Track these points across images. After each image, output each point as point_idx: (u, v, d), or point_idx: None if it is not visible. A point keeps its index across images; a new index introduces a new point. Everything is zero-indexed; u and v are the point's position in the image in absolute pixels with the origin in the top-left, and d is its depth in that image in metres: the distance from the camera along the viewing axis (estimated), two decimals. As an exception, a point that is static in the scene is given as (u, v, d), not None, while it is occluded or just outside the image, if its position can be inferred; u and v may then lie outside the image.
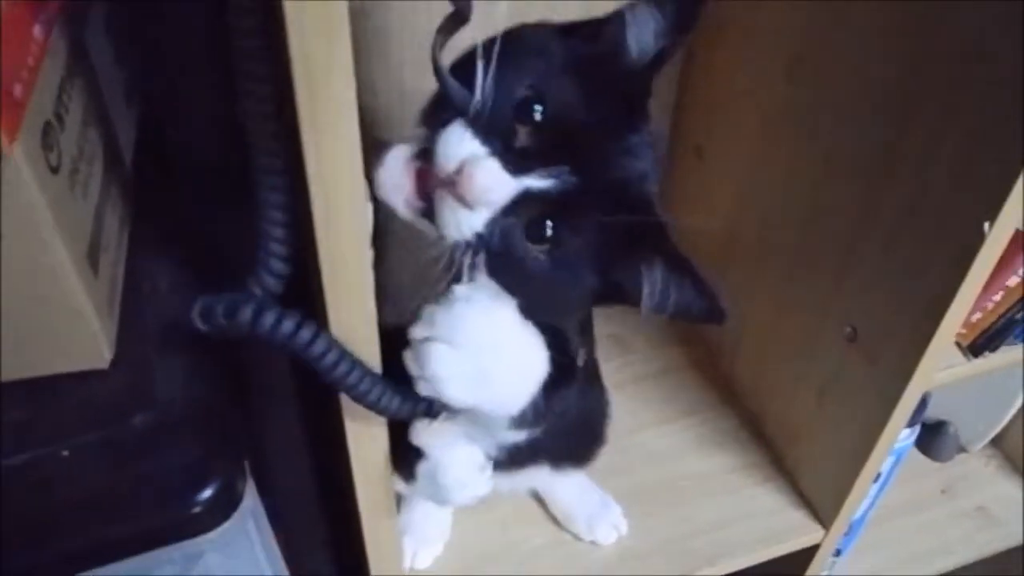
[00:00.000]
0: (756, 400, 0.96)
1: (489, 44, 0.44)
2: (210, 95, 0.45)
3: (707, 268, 0.48)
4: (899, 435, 0.79)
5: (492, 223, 0.44)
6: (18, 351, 0.47)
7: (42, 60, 0.41)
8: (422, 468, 0.58)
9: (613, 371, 0.98)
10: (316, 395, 0.50)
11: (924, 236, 0.68)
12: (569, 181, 0.44)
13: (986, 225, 0.61)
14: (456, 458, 0.58)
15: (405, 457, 0.58)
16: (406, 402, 0.49)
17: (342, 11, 0.35)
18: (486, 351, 0.48)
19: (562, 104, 0.46)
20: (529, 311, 0.50)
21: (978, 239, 0.62)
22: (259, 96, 0.39)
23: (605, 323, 1.01)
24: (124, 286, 0.53)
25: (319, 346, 0.43)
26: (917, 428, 0.94)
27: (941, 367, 0.75)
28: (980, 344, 0.76)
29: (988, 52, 0.58)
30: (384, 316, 0.47)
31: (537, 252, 0.46)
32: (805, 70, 0.76)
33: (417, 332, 0.47)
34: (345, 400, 0.48)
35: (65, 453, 0.45)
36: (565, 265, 0.47)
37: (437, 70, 0.44)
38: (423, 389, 0.48)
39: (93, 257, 0.47)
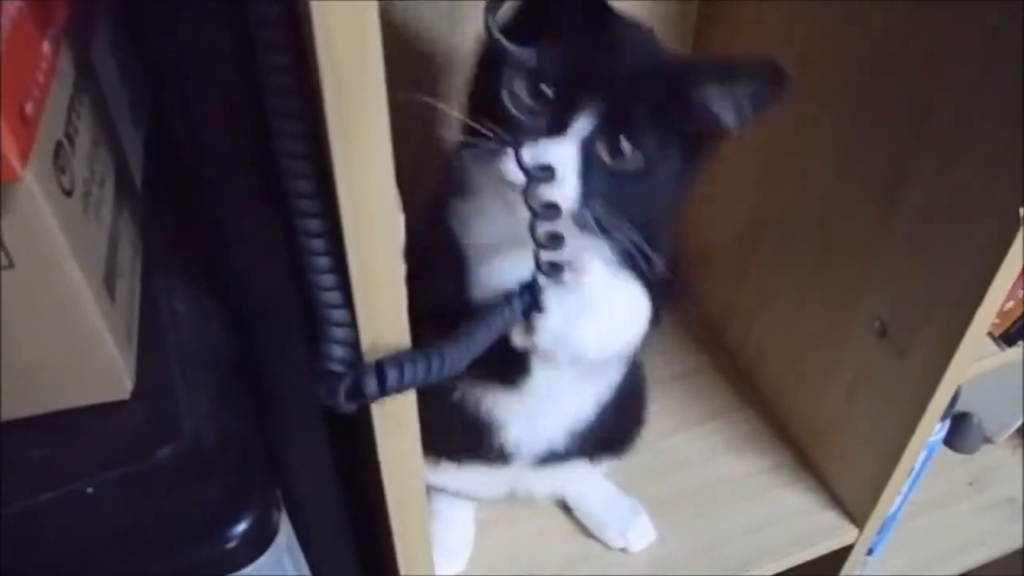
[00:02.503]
0: (782, 400, 0.94)
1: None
2: (226, 110, 0.43)
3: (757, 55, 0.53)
4: (935, 428, 0.77)
5: (583, 176, 0.51)
6: (36, 385, 0.44)
7: (51, 77, 0.39)
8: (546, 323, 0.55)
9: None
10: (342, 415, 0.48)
11: (954, 225, 0.66)
12: (605, 106, 0.50)
13: (1022, 210, 0.60)
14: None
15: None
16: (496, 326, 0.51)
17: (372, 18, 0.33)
18: (612, 308, 0.55)
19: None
20: (655, 213, 0.56)
21: (1013, 225, 0.61)
22: (292, 134, 0.37)
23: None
24: (141, 312, 0.51)
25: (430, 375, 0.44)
26: (948, 421, 0.92)
27: (975, 358, 0.73)
28: (1014, 333, 0.74)
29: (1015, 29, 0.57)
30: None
31: (628, 162, 0.51)
32: (818, 56, 0.75)
33: (548, 320, 0.52)
34: (377, 414, 0.47)
35: (90, 491, 0.43)
36: (654, 153, 0.52)
37: (494, 41, 0.48)
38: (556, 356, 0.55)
39: (109, 283, 0.45)
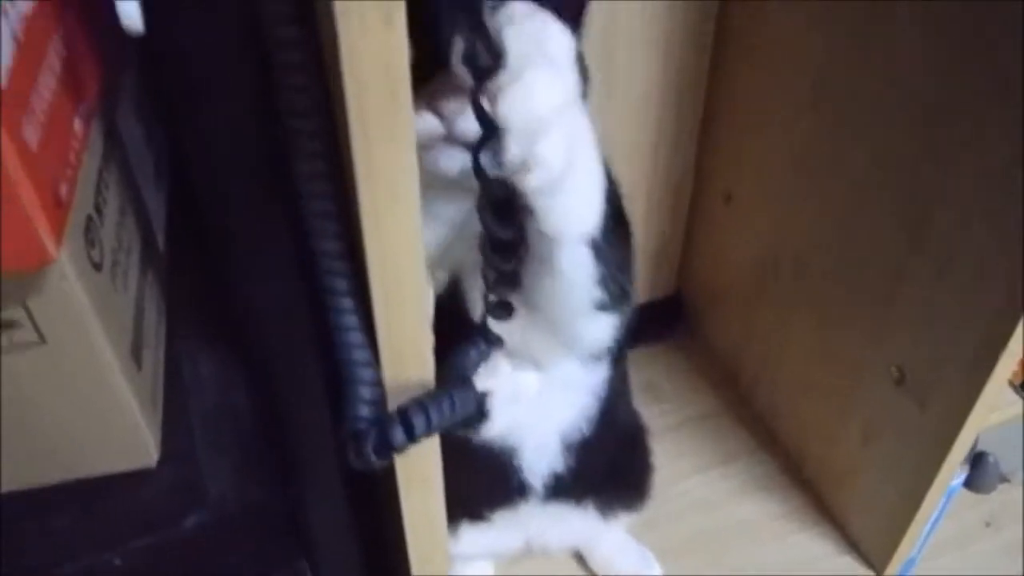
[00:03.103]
0: (797, 443, 0.93)
1: None
2: (249, 168, 0.43)
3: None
4: (953, 476, 0.77)
5: None
6: (63, 453, 0.44)
7: (83, 154, 0.40)
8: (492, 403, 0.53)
9: (647, 420, 0.96)
10: (361, 473, 0.48)
11: (974, 272, 0.66)
12: None
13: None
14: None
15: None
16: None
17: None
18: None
19: None
20: None
21: (1032, 282, 0.61)
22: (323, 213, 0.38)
23: (636, 371, 0.99)
24: (164, 375, 0.51)
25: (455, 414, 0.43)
26: (967, 465, 0.92)
27: (994, 408, 0.73)
28: (1034, 381, 0.74)
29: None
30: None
31: None
32: (830, 95, 0.75)
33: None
34: (401, 469, 0.47)
35: (118, 562, 0.43)
36: None
37: None
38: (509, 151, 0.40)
39: (136, 352, 0.45)
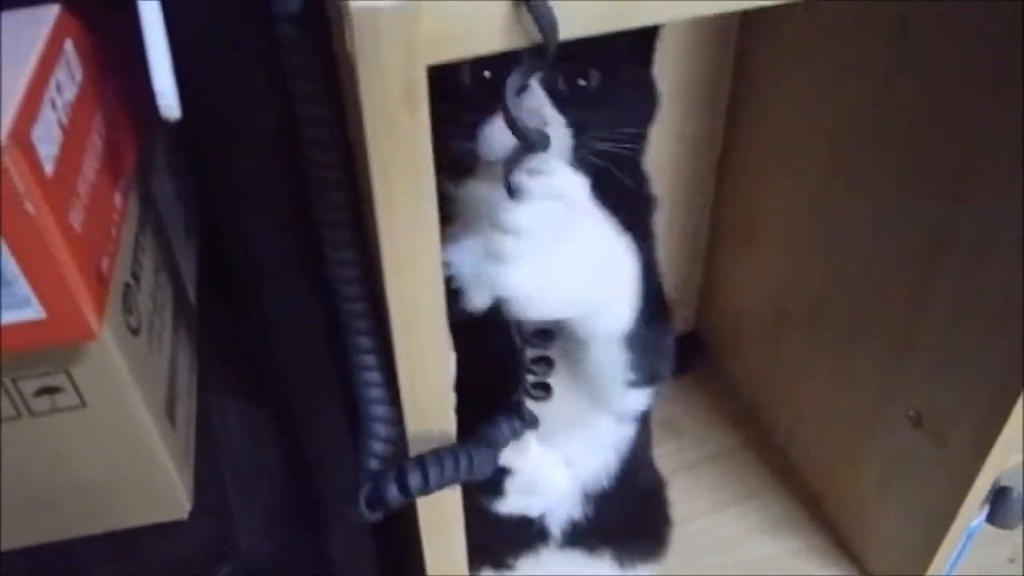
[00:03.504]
0: (815, 481, 0.94)
1: None
2: (279, 226, 0.45)
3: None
4: (972, 517, 0.77)
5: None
6: (100, 506, 0.46)
7: (123, 227, 0.42)
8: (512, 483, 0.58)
9: (665, 456, 0.97)
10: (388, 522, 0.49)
11: (990, 315, 0.66)
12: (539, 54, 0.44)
13: (1056, 313, 0.60)
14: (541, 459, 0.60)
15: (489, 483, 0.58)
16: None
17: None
18: (572, 245, 0.45)
19: None
20: (634, 123, 0.53)
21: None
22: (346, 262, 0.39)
23: (655, 407, 1.00)
24: (196, 427, 0.53)
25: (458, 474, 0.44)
26: (988, 504, 0.92)
27: (1014, 450, 0.73)
28: (1051, 423, 0.74)
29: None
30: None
31: (589, 84, 0.49)
32: (843, 147, 0.76)
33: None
34: (423, 517, 0.48)
35: (152, 615, 0.44)
36: (606, 65, 0.50)
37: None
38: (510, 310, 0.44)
39: (170, 409, 0.47)
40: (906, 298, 0.73)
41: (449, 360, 0.44)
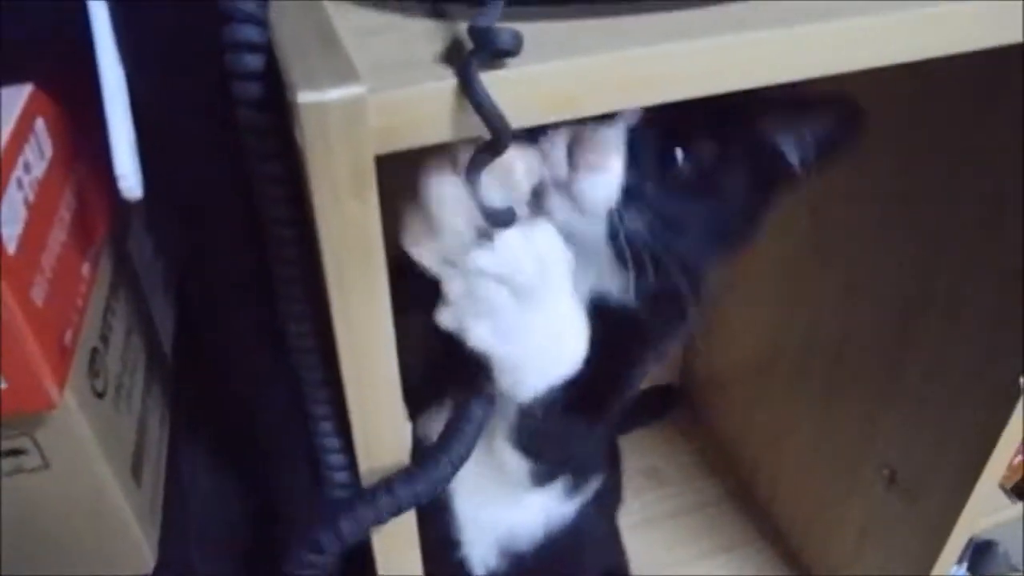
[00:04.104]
0: (795, 534, 0.94)
1: None
2: (247, 294, 0.46)
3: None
4: (948, 574, 0.77)
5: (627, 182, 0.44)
6: (65, 561, 0.47)
7: (90, 296, 0.43)
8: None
9: (647, 506, 0.97)
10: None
11: (959, 381, 0.67)
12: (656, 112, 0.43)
13: (1022, 380, 0.61)
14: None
15: None
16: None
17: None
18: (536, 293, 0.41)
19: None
20: (701, 246, 0.49)
21: (1015, 391, 0.62)
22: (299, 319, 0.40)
23: (639, 456, 1.01)
24: (165, 482, 0.54)
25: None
26: (966, 562, 0.92)
27: (986, 511, 0.73)
28: (1026, 485, 0.75)
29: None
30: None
31: (679, 171, 0.45)
32: (824, 207, 0.77)
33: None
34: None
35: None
36: (709, 169, 0.46)
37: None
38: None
39: (136, 470, 0.48)
40: (881, 358, 0.74)
41: (405, 433, 0.45)
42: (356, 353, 0.38)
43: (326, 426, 0.44)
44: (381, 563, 0.48)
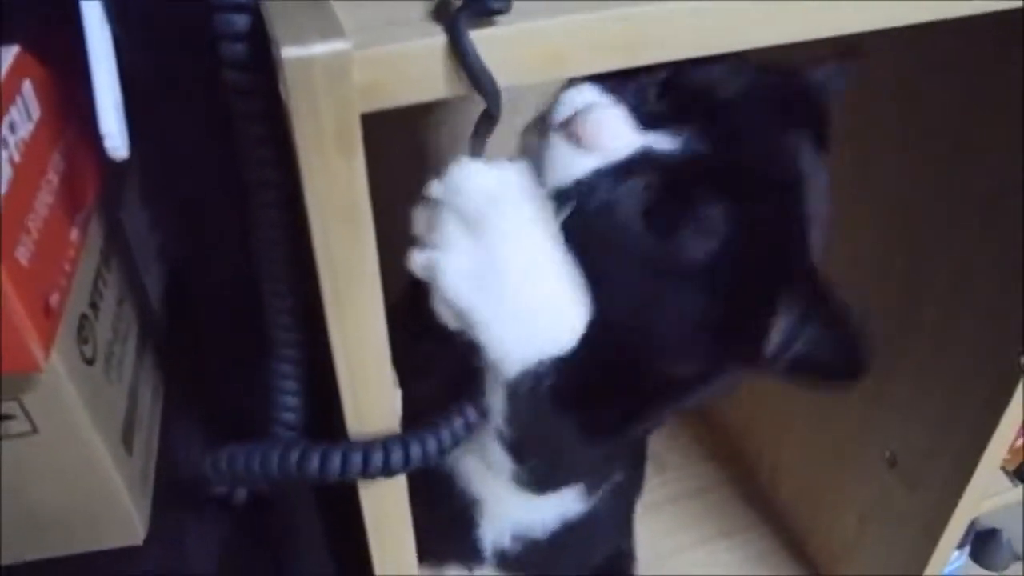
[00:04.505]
0: (798, 519, 0.93)
1: None
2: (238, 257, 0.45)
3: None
4: (949, 559, 0.76)
5: (598, 177, 0.38)
6: (55, 531, 0.47)
7: (78, 261, 0.43)
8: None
9: (648, 491, 0.96)
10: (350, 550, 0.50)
11: (960, 365, 0.66)
12: (696, 149, 0.38)
13: (1023, 360, 0.60)
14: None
15: None
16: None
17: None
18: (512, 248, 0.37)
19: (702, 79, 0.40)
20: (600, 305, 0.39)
21: (1016, 372, 0.61)
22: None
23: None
24: (159, 452, 0.54)
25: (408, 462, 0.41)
26: (967, 548, 0.91)
27: (987, 494, 0.73)
28: (1028, 468, 0.74)
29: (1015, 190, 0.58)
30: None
31: (644, 229, 0.38)
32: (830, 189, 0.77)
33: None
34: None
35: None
36: (674, 254, 0.38)
37: None
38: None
39: (127, 438, 0.48)
40: (883, 341, 0.73)
41: (395, 398, 0.44)
42: (343, 314, 0.38)
43: (286, 368, 0.43)
44: (377, 563, 0.49)
